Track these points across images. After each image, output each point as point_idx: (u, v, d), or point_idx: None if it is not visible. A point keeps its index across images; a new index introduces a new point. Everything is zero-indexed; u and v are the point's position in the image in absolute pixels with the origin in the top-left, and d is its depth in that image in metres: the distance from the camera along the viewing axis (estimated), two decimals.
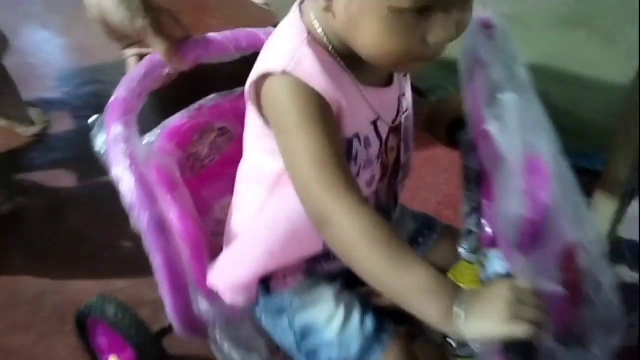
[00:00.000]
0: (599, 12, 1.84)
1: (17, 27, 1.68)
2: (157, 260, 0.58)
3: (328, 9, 0.49)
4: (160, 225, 0.57)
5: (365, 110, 0.54)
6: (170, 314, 0.62)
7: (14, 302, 1.01)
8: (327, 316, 0.59)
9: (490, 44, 0.53)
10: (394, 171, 0.63)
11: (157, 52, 0.69)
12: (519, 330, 0.42)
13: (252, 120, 0.56)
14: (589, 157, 1.33)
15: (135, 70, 0.67)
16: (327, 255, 0.59)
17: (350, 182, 0.48)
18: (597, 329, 0.53)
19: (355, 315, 0.59)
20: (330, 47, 0.51)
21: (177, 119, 0.73)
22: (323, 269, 0.61)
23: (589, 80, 1.64)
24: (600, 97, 1.54)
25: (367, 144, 0.55)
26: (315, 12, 0.52)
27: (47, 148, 1.31)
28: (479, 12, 0.55)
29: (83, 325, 0.86)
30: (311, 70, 0.49)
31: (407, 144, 0.62)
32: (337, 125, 0.51)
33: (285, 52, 0.50)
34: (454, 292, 0.44)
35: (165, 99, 0.81)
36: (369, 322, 0.59)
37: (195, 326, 0.64)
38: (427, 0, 0.45)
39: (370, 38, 0.48)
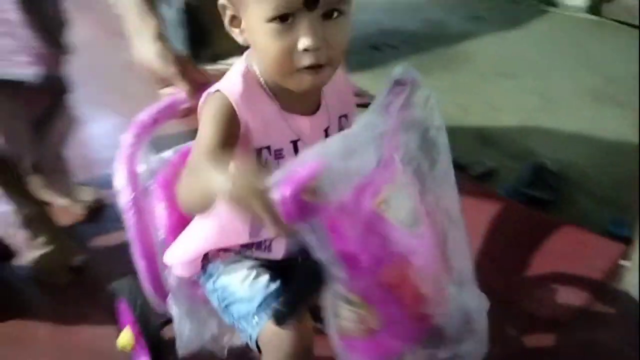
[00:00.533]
0: (627, 89, 1.92)
1: (93, 114, 1.85)
2: (130, 234, 0.79)
3: (245, 40, 0.68)
4: (136, 208, 0.78)
5: (284, 131, 0.70)
6: (142, 279, 0.80)
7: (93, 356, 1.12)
8: (241, 279, 0.74)
9: (396, 96, 0.66)
10: None
11: (181, 91, 0.92)
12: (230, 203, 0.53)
13: None
14: (622, 224, 1.40)
15: (159, 102, 0.90)
16: (258, 245, 0.73)
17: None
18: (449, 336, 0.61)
19: (264, 279, 0.73)
20: (261, 79, 0.70)
21: (190, 143, 0.94)
22: (252, 254, 0.77)
23: (619, 150, 1.71)
24: (630, 166, 1.55)
25: (279, 156, 0.70)
26: (251, 50, 0.70)
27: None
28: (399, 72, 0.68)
29: (113, 297, 1.04)
30: (235, 92, 0.68)
31: None
32: (240, 134, 0.67)
33: (226, 79, 0.71)
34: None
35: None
36: (273, 286, 0.72)
37: (164, 295, 0.82)
38: (285, 8, 0.60)
39: (261, 51, 0.65)
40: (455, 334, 0.61)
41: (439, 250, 0.62)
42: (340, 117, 0.74)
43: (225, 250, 0.77)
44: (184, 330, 0.82)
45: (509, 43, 2.60)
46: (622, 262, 1.25)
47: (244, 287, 0.74)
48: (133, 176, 0.80)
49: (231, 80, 0.70)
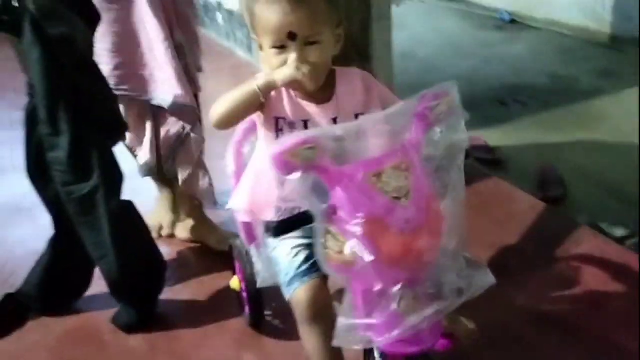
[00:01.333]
0: None
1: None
2: (230, 180, 1.15)
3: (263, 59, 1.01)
4: (237, 178, 1.13)
5: (295, 111, 1.00)
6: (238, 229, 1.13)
7: None
8: (285, 254, 1.04)
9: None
10: None
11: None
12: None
13: None
14: None
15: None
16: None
17: None
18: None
19: (299, 259, 1.02)
20: None
21: None
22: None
23: None
24: None
25: (292, 127, 1.00)
26: None
27: None
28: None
29: (231, 252, 1.37)
30: None
31: None
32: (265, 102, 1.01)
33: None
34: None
35: None
36: (304, 266, 1.01)
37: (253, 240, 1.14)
38: (277, 42, 0.96)
39: (270, 64, 0.99)
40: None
41: (429, 222, 0.79)
42: (356, 115, 0.99)
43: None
44: (260, 269, 1.12)
45: None
46: None
47: (285, 262, 1.03)
48: (239, 155, 1.16)
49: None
